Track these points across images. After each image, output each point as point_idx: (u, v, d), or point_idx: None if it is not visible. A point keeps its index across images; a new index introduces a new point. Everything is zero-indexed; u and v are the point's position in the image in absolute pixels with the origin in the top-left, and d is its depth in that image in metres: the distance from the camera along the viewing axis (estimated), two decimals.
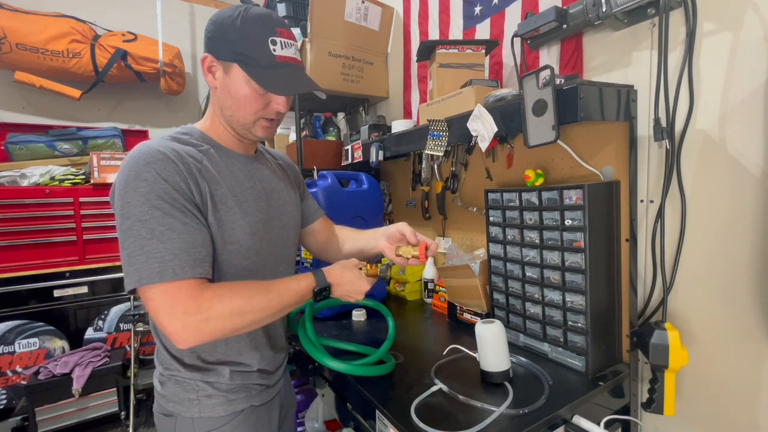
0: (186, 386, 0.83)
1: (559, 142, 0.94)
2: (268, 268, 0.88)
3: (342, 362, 0.97)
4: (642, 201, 1.00)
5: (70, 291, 2.30)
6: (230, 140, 0.87)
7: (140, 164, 0.70)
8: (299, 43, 1.79)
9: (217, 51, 0.78)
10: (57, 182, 2.32)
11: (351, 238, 1.13)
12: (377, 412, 0.87)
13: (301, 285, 0.83)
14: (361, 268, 0.93)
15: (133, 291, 0.70)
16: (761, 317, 0.83)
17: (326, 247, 1.14)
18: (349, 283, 0.89)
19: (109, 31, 2.71)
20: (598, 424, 0.85)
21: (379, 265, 0.95)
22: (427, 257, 0.93)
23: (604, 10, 0.95)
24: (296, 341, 1.40)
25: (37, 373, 2.03)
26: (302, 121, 1.92)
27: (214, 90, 0.83)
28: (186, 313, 0.67)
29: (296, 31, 1.90)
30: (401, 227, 1.00)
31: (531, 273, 1.09)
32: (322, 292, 0.86)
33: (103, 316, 2.41)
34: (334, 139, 2.08)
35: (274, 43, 0.77)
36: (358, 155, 1.68)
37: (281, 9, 1.99)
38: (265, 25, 0.76)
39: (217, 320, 0.69)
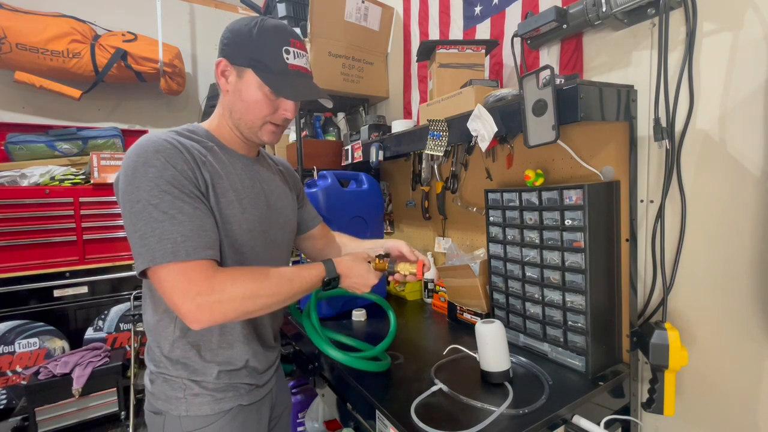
0: (173, 384, 0.83)
1: (559, 142, 0.94)
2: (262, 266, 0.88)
3: (341, 353, 0.97)
4: (642, 201, 1.00)
5: (70, 291, 2.30)
6: (235, 141, 0.89)
7: (149, 151, 0.72)
8: None
9: (232, 56, 0.81)
10: (57, 182, 2.32)
11: (350, 247, 1.16)
12: (377, 412, 0.87)
13: (312, 273, 0.84)
14: (369, 262, 0.94)
15: (144, 274, 0.70)
16: (761, 317, 0.83)
17: (324, 253, 1.15)
18: (358, 275, 0.90)
19: (109, 31, 2.71)
20: (598, 424, 0.85)
21: (386, 260, 0.95)
22: (423, 275, 0.96)
23: (604, 10, 0.95)
24: (295, 341, 1.40)
25: (37, 373, 2.03)
26: (302, 121, 1.92)
27: (225, 93, 0.86)
28: (200, 294, 0.68)
29: (296, 31, 1.90)
30: (400, 246, 1.03)
31: (531, 273, 1.09)
32: (331, 282, 0.87)
33: (103, 316, 2.40)
34: (334, 139, 2.08)
35: (287, 52, 0.81)
36: (358, 155, 1.68)
37: (281, 9, 1.99)
38: (279, 36, 0.81)
39: (229, 302, 0.70)
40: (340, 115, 2.25)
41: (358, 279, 0.91)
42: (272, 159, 1.06)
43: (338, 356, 0.96)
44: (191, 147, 0.78)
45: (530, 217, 1.08)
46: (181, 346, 0.83)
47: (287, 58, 0.81)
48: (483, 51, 1.31)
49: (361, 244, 1.15)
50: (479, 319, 1.23)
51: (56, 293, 2.26)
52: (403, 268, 0.96)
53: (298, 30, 1.88)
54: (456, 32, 1.59)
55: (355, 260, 0.92)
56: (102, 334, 2.40)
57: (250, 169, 0.90)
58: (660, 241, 0.94)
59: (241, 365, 0.87)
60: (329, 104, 0.94)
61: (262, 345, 0.93)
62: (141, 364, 2.35)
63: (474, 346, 0.98)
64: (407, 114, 1.94)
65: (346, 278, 0.90)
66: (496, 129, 1.00)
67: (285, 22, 1.96)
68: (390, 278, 0.99)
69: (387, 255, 1.01)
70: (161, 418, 0.84)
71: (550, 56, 1.21)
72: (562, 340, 1.02)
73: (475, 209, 1.49)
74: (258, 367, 0.91)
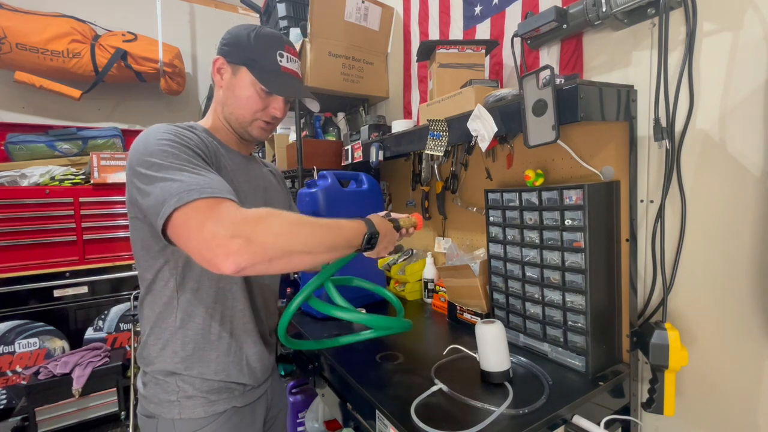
0: (166, 387, 0.83)
1: (559, 142, 0.94)
2: None
3: (365, 314, 0.92)
4: (642, 201, 1.00)
5: (70, 291, 2.30)
6: (230, 139, 0.93)
7: (161, 129, 0.75)
8: (299, 44, 1.79)
9: (229, 55, 0.87)
10: (57, 182, 2.33)
11: None
12: (377, 412, 0.87)
13: (353, 225, 0.78)
14: None
15: (164, 234, 0.64)
16: (761, 317, 0.83)
17: None
18: (390, 233, 0.88)
19: (109, 31, 2.71)
20: (598, 424, 0.85)
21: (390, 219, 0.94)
22: (422, 225, 0.98)
23: (604, 10, 0.95)
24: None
25: (37, 373, 2.04)
26: (302, 121, 1.92)
27: (218, 89, 0.90)
28: (234, 223, 0.60)
29: (296, 31, 1.91)
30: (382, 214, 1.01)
31: (531, 273, 1.09)
32: (371, 239, 0.81)
33: (103, 316, 2.41)
34: (334, 139, 2.08)
35: (281, 56, 0.87)
36: (358, 155, 1.68)
37: (281, 9, 1.99)
38: (274, 41, 0.87)
39: (268, 232, 0.62)
40: (340, 115, 2.25)
41: (390, 237, 0.88)
42: (262, 161, 1.10)
43: (361, 317, 0.90)
44: (200, 135, 0.82)
45: (530, 217, 1.08)
46: (181, 338, 0.83)
47: (280, 61, 0.87)
48: (483, 51, 1.31)
49: None
50: (479, 319, 1.23)
51: (56, 293, 2.27)
52: (404, 223, 0.95)
53: (298, 30, 1.88)
54: (456, 32, 1.59)
55: (382, 219, 0.89)
56: (102, 334, 2.40)
57: (246, 166, 0.94)
58: (660, 241, 0.94)
59: (238, 359, 0.88)
60: (316, 108, 0.98)
61: (261, 338, 0.93)
62: None
63: (474, 346, 0.98)
64: (407, 114, 1.94)
65: (383, 237, 0.84)
66: (496, 129, 1.00)
67: (285, 23, 1.98)
68: (397, 234, 0.96)
69: (388, 215, 1.00)
70: (154, 421, 0.84)
71: (550, 56, 1.21)
72: (562, 340, 1.02)
73: (475, 209, 1.49)
74: (256, 366, 0.91)
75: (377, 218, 0.87)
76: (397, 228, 0.93)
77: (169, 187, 0.64)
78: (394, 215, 0.98)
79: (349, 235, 0.76)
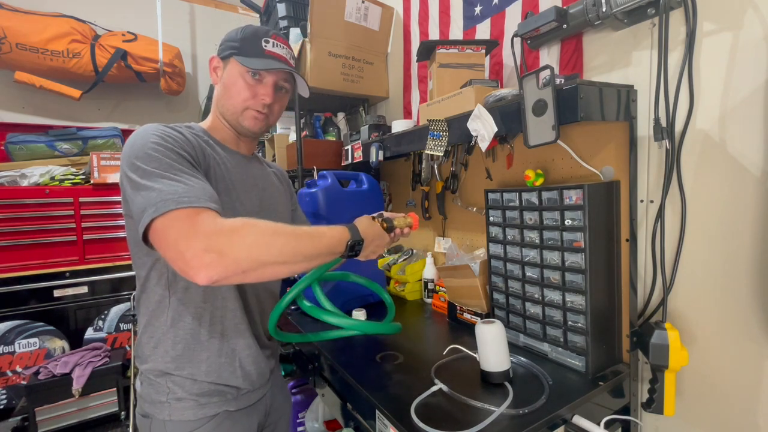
0: (158, 388, 0.83)
1: (559, 142, 0.94)
2: None
3: (353, 320, 0.92)
4: (642, 201, 1.00)
5: (70, 291, 2.30)
6: (229, 137, 0.94)
7: (151, 129, 0.76)
8: (299, 44, 1.79)
9: (221, 51, 0.91)
10: (57, 182, 2.32)
11: None
12: (377, 412, 0.87)
13: (334, 233, 0.77)
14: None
15: (147, 241, 0.66)
16: (761, 317, 0.83)
17: None
18: (378, 237, 0.87)
19: (109, 31, 2.71)
20: (598, 424, 0.85)
21: (382, 219, 0.94)
22: (418, 225, 0.98)
23: (604, 10, 0.95)
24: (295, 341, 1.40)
25: (37, 373, 2.04)
26: (302, 121, 1.92)
27: (216, 87, 0.92)
28: (208, 235, 0.61)
29: (296, 31, 1.91)
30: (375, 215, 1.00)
31: (531, 273, 1.09)
32: (355, 246, 0.80)
33: (103, 316, 2.41)
34: (334, 139, 2.08)
35: (266, 42, 0.88)
36: (358, 155, 1.68)
37: (281, 9, 1.99)
38: (260, 32, 0.89)
39: (241, 244, 0.63)
40: (340, 115, 2.25)
41: (379, 241, 0.87)
42: (266, 162, 1.09)
43: (351, 323, 0.91)
44: (190, 135, 0.82)
45: (530, 217, 1.08)
46: (172, 337, 0.83)
47: (265, 46, 0.87)
48: (483, 51, 1.31)
49: None
50: (479, 319, 1.23)
51: (56, 293, 2.27)
52: (400, 223, 0.95)
53: (298, 30, 1.88)
54: (456, 32, 1.59)
55: (370, 223, 0.87)
56: (102, 334, 2.40)
57: (244, 165, 0.94)
58: (660, 241, 0.94)
59: (230, 361, 0.87)
60: (305, 92, 0.97)
61: (256, 340, 0.92)
62: None
63: (474, 346, 0.98)
64: (407, 114, 1.94)
65: (370, 243, 0.84)
66: (496, 129, 1.00)
67: (285, 23, 1.98)
68: (390, 235, 0.95)
69: (380, 216, 0.98)
70: (148, 421, 0.84)
71: (550, 56, 1.21)
72: (562, 340, 1.02)
73: (475, 209, 1.49)
74: (250, 369, 0.90)
75: (364, 222, 0.86)
76: (391, 228, 0.92)
77: (148, 196, 0.65)
78: (387, 215, 0.97)
79: (331, 243, 0.76)
